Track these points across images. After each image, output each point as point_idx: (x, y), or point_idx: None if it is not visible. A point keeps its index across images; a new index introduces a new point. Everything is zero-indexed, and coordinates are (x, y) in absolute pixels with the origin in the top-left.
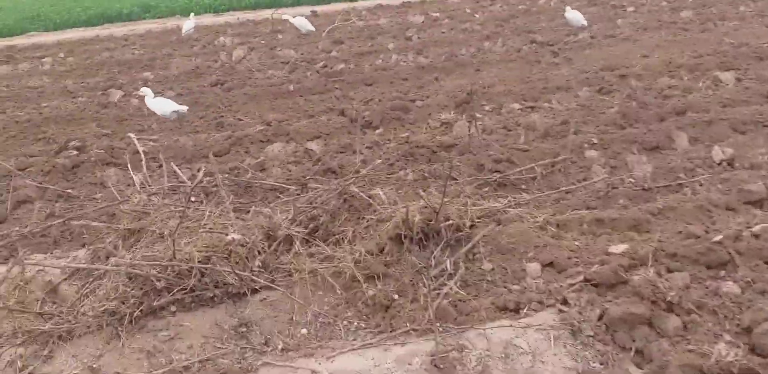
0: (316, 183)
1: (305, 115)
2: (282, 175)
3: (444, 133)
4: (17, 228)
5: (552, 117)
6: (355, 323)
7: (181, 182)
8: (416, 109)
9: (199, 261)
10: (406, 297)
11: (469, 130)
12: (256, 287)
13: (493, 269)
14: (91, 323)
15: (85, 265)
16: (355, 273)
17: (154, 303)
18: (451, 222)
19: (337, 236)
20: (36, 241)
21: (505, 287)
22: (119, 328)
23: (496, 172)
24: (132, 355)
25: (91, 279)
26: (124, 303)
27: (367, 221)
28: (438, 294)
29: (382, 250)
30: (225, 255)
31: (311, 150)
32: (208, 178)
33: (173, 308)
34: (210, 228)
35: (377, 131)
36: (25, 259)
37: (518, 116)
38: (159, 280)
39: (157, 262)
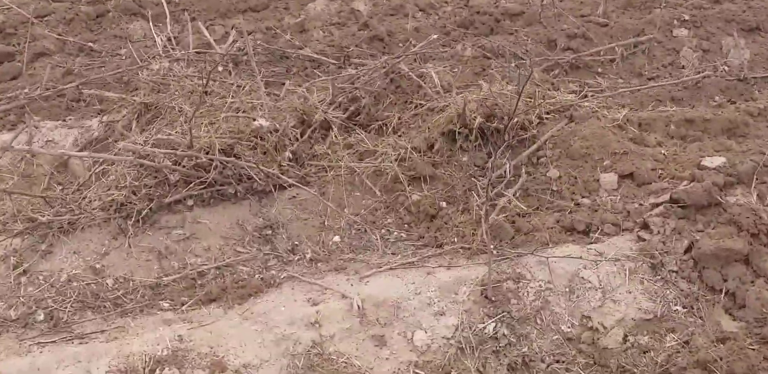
0: (360, 56)
1: None
2: (323, 40)
3: None
4: (26, 90)
5: None
6: (395, 233)
7: (208, 47)
8: None
9: (221, 150)
10: (456, 206)
11: None
12: (285, 184)
13: (560, 177)
14: (96, 215)
15: (85, 154)
16: (398, 174)
17: (166, 200)
18: (515, 120)
19: (380, 122)
20: (48, 105)
21: (574, 201)
22: (127, 222)
23: (568, 50)
24: (141, 255)
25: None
26: (135, 194)
27: (416, 107)
28: (493, 206)
29: (431, 147)
30: (251, 144)
31: (358, 10)
32: (239, 44)
33: (190, 202)
34: (237, 109)
35: None
36: (35, 126)
37: None
38: (174, 172)
39: (172, 151)
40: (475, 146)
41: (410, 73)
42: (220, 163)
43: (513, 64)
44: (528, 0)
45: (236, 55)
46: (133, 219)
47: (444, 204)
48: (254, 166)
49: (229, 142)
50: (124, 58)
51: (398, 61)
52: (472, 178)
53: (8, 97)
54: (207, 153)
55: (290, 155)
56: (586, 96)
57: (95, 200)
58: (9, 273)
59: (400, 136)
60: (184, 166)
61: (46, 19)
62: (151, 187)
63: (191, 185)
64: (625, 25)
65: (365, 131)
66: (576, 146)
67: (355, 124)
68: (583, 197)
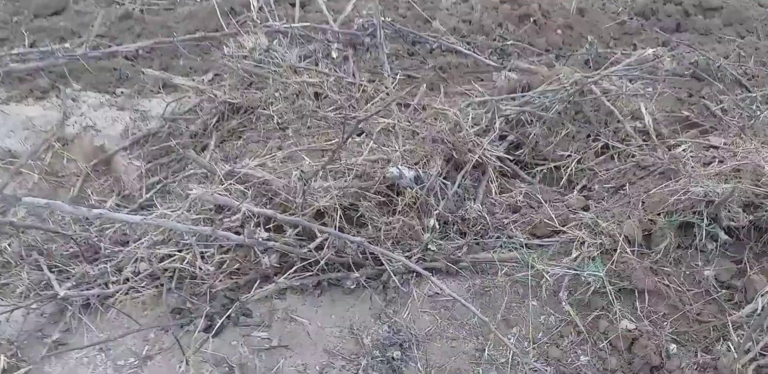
0: (516, 45)
1: None
2: (457, 14)
3: None
4: (67, 46)
5: None
6: None
7: (324, 22)
8: None
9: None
10: (691, 349)
11: None
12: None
13: None
14: (142, 289)
15: (134, 219)
16: (604, 282)
17: (254, 295)
18: None
19: (551, 164)
20: (94, 68)
21: None
22: (187, 309)
23: None
24: (200, 368)
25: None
26: (204, 262)
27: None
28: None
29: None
30: (380, 199)
31: None
32: (362, 21)
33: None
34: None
35: None
36: (72, 98)
37: None
38: (271, 254)
39: (271, 213)
40: (720, 250)
41: (604, 99)
42: (346, 241)
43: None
44: None
45: (357, 35)
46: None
47: (674, 347)
48: (400, 259)
49: (351, 199)
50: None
51: (593, 80)
52: (715, 303)
53: (41, 52)
54: (321, 215)
55: (435, 223)
56: None
57: (143, 259)
58: None
59: (586, 195)
60: (286, 240)
61: None
62: (230, 263)
63: (293, 269)
64: None
65: (528, 173)
66: None
67: (516, 162)
68: None
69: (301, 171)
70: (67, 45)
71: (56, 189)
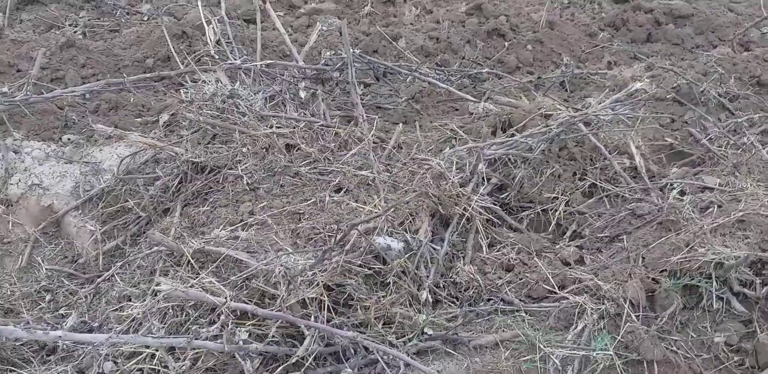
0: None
1: None
2: (420, 32)
3: None
4: (5, 90)
5: None
6: None
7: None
8: None
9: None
10: None
11: None
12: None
13: None
14: None
15: (96, 339)
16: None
17: None
18: None
19: (538, 208)
20: (37, 111)
21: None
22: None
23: None
24: None
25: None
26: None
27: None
28: None
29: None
30: (366, 272)
31: None
32: (329, 55)
33: None
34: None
35: None
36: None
37: None
38: (253, 359)
39: (257, 311)
40: (727, 307)
41: (591, 137)
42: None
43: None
44: None
45: (326, 70)
46: None
47: None
48: (398, 355)
49: (338, 277)
50: (147, 19)
51: (581, 119)
52: (726, 370)
53: None
54: (304, 302)
55: (429, 296)
56: None
57: (108, 357)
58: None
59: (578, 245)
60: (272, 338)
61: None
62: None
63: (278, 370)
64: None
65: (515, 217)
66: None
67: (502, 206)
68: None
69: (286, 267)
70: (5, 89)
71: (2, 257)
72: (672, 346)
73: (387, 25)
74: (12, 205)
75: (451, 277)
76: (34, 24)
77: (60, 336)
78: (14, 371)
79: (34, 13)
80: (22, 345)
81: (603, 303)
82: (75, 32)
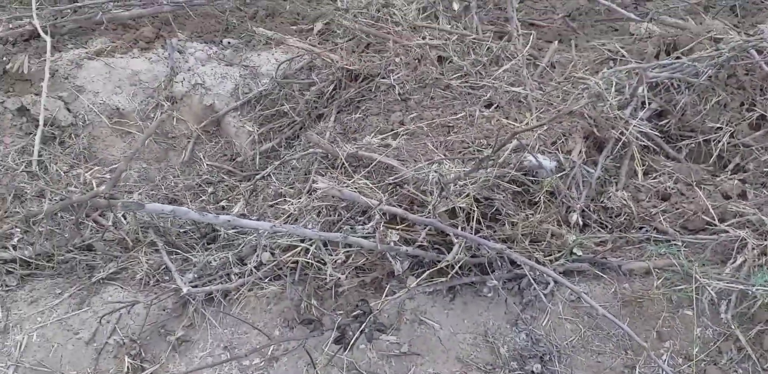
0: None
1: None
2: None
3: None
4: None
5: None
6: None
7: None
8: None
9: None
10: None
11: None
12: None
13: None
14: (265, 286)
15: (261, 226)
16: None
17: (383, 304)
18: None
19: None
20: (199, 14)
21: None
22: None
23: None
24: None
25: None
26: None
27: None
28: None
29: None
30: (515, 189)
31: None
32: None
33: (412, 282)
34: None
35: None
36: (179, 50)
37: None
38: (403, 260)
39: (402, 212)
40: None
41: (764, 65)
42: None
43: None
44: None
45: None
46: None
47: None
48: (545, 270)
49: (487, 191)
50: None
51: (758, 41)
52: None
53: None
54: (453, 212)
55: (579, 219)
56: None
57: (266, 248)
58: None
59: (741, 179)
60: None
61: None
62: (355, 257)
63: (424, 275)
64: None
65: (674, 147)
66: None
67: (660, 133)
68: None
69: (440, 174)
70: None
71: (167, 151)
72: None
73: None
74: (176, 103)
75: (602, 202)
76: None
77: (229, 220)
78: (179, 253)
79: None
80: (184, 232)
81: (766, 239)
82: None
